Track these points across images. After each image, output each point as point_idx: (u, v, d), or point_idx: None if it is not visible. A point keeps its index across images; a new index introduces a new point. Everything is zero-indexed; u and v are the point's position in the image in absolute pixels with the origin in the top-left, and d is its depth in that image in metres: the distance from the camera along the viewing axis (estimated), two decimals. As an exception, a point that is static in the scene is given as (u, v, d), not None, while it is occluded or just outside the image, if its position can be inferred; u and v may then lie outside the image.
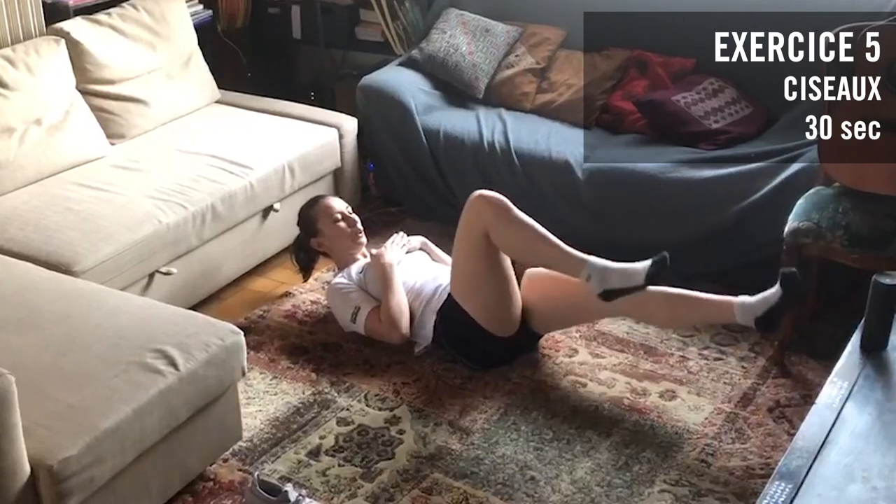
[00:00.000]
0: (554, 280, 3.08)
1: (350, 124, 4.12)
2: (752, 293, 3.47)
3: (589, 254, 2.93)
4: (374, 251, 3.34)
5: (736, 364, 3.17)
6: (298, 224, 3.57)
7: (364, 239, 3.52)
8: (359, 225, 3.51)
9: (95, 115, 3.80)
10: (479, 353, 3.13)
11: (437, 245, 3.58)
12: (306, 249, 3.56)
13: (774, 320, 2.77)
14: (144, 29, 4.00)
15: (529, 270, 3.18)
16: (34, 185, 3.50)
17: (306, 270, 3.62)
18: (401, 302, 3.21)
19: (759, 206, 3.36)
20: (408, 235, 3.53)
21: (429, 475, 2.72)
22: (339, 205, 3.53)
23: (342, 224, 3.47)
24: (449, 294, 3.16)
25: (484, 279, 3.06)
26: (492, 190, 3.85)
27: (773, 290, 2.76)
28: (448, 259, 3.41)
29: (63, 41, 3.72)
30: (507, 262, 3.10)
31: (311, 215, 3.52)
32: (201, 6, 4.52)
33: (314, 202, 3.57)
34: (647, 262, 2.83)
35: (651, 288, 2.86)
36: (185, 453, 2.58)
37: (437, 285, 3.23)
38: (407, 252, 3.43)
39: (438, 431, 2.89)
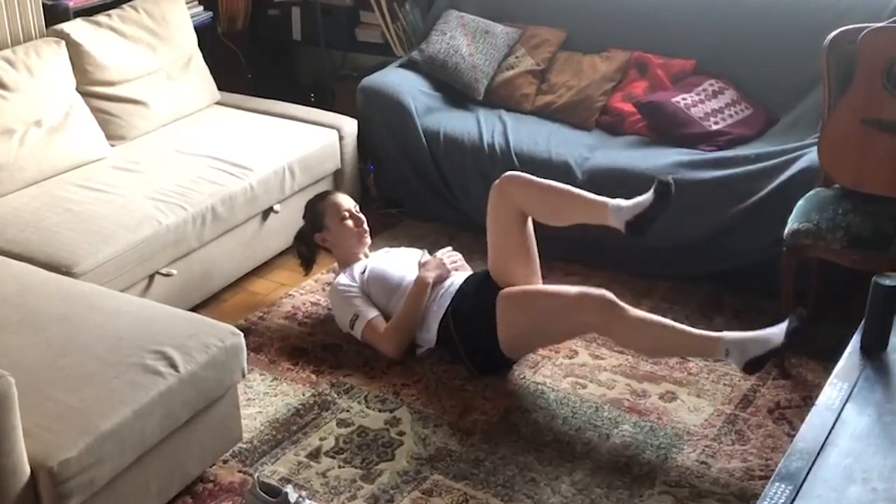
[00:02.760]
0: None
1: (350, 126, 4.12)
2: (752, 293, 3.49)
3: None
4: (422, 260, 3.31)
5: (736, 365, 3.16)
6: (304, 217, 3.55)
7: (369, 239, 3.52)
8: (365, 225, 3.50)
9: (95, 116, 3.80)
10: (484, 360, 3.12)
11: (436, 244, 3.57)
12: (308, 243, 3.55)
13: (645, 226, 2.92)
14: (144, 30, 4.00)
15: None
16: (34, 187, 3.51)
17: (308, 262, 3.60)
18: (414, 326, 3.20)
19: (758, 208, 3.36)
20: (408, 236, 3.51)
21: (429, 476, 2.72)
22: (347, 202, 3.52)
23: (349, 222, 3.46)
24: (464, 288, 3.16)
25: (545, 336, 3.13)
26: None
27: (646, 196, 2.90)
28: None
29: (63, 43, 3.72)
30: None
31: (318, 210, 3.51)
32: (201, 8, 4.53)
33: (323, 197, 3.55)
34: (785, 324, 2.73)
35: (543, 181, 3.09)
36: (185, 455, 2.58)
37: (439, 287, 3.22)
38: (455, 269, 3.37)
39: (438, 433, 2.89)
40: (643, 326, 2.88)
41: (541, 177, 3.46)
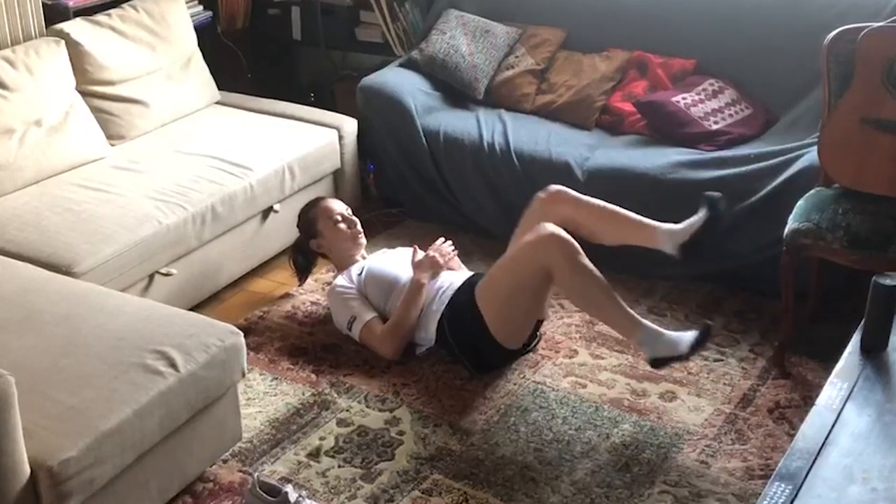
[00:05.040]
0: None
1: (350, 125, 4.12)
2: (751, 293, 3.49)
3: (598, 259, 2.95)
4: (417, 259, 3.30)
5: (736, 365, 3.17)
6: (298, 226, 3.57)
7: (364, 240, 3.52)
8: (359, 226, 3.51)
9: (95, 116, 3.80)
10: (482, 359, 3.13)
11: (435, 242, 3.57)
12: (305, 252, 3.56)
13: (699, 247, 2.93)
14: (144, 30, 4.00)
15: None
16: (34, 187, 3.50)
17: (303, 274, 3.61)
18: (411, 328, 3.20)
19: (758, 208, 3.36)
20: (408, 235, 3.51)
21: (429, 476, 2.72)
22: (338, 206, 3.53)
23: (342, 225, 3.47)
24: (455, 294, 3.16)
25: (522, 304, 3.08)
26: (495, 191, 3.88)
27: (699, 216, 2.92)
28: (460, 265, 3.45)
29: (63, 42, 3.72)
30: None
31: (310, 217, 3.52)
32: (201, 7, 4.53)
33: (313, 204, 3.57)
34: (694, 333, 2.86)
35: (592, 200, 3.14)
36: (184, 454, 2.58)
37: (438, 286, 3.23)
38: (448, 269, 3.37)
39: (438, 432, 2.89)
40: (587, 280, 2.94)
41: (541, 177, 3.47)
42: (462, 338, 3.12)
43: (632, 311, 2.93)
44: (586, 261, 2.95)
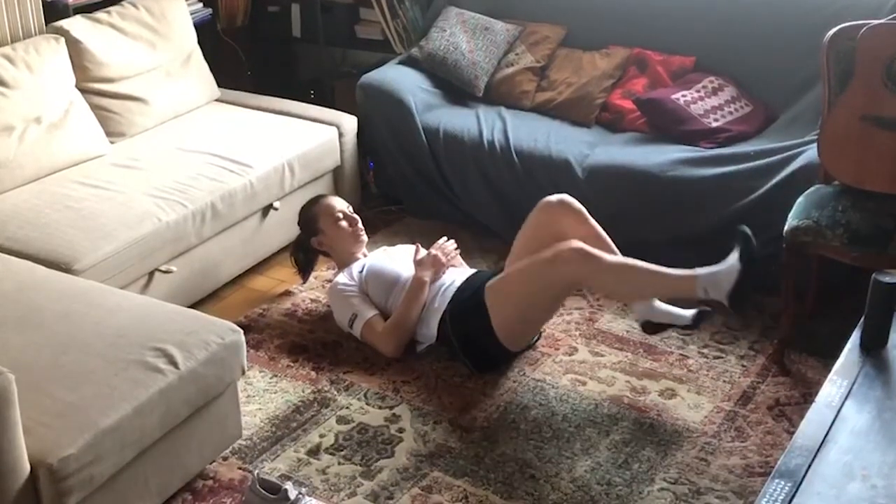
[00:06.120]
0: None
1: (350, 122, 4.12)
2: (751, 289, 3.48)
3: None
4: (419, 258, 3.29)
5: (735, 362, 3.17)
6: (299, 224, 3.56)
7: (365, 238, 3.52)
8: (360, 224, 3.50)
9: (95, 113, 3.80)
10: (483, 357, 3.12)
11: (436, 242, 3.57)
12: (306, 250, 3.56)
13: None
14: (144, 27, 4.00)
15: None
16: (34, 184, 3.50)
17: (305, 271, 3.61)
18: (412, 326, 3.20)
19: (758, 205, 3.36)
20: (408, 233, 3.51)
21: (428, 473, 2.72)
22: (339, 204, 3.53)
23: (343, 223, 3.47)
24: (459, 291, 3.16)
25: (535, 314, 3.11)
26: (495, 189, 3.87)
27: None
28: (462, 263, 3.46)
29: (63, 39, 3.72)
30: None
31: (311, 215, 3.52)
32: (201, 4, 4.53)
33: (315, 202, 3.56)
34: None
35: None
36: (184, 451, 2.58)
37: (440, 284, 3.23)
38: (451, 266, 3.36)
39: (438, 429, 2.89)
40: (621, 271, 2.94)
41: (540, 175, 3.47)
42: (465, 335, 3.12)
43: (678, 271, 2.88)
44: (602, 257, 2.94)
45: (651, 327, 3.08)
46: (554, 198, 3.20)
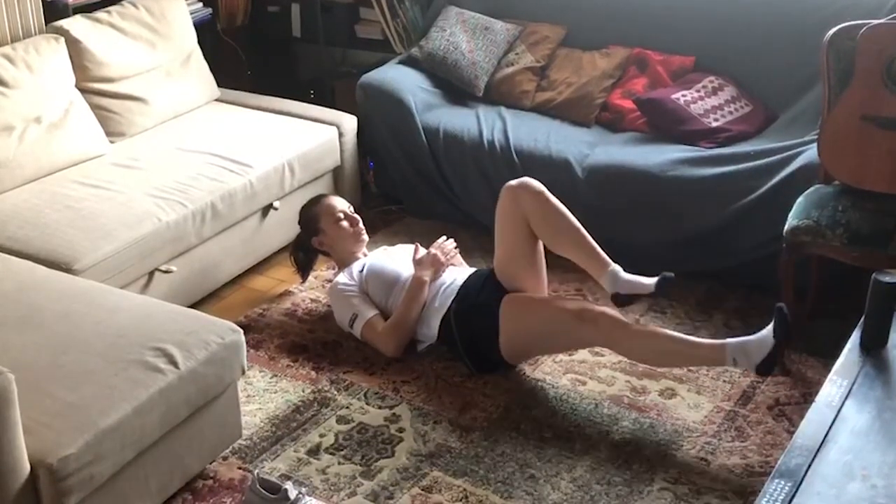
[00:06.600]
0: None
1: (350, 122, 4.12)
2: (751, 289, 3.49)
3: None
4: (418, 257, 3.29)
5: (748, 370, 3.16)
6: (300, 223, 3.56)
7: (366, 238, 3.52)
8: (361, 224, 3.50)
9: (95, 113, 3.80)
10: (484, 359, 3.12)
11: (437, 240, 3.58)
12: (306, 249, 3.56)
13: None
14: (144, 27, 4.00)
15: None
16: (34, 184, 3.50)
17: (304, 271, 3.61)
18: (412, 325, 3.20)
19: (758, 205, 3.36)
20: (408, 233, 3.50)
21: (428, 473, 2.72)
22: (340, 204, 3.52)
23: (344, 223, 3.47)
24: (465, 288, 3.16)
25: (545, 347, 3.14)
26: (495, 189, 3.86)
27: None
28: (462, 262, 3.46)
29: (63, 39, 3.72)
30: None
31: (312, 214, 3.51)
32: (201, 4, 4.52)
33: (315, 201, 3.56)
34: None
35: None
36: (184, 451, 2.58)
37: (441, 283, 3.23)
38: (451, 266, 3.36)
39: (438, 429, 2.89)
40: (647, 339, 2.92)
41: (540, 175, 3.46)
42: (469, 336, 3.12)
43: (706, 341, 2.89)
44: (629, 326, 2.95)
45: (620, 299, 3.04)
46: (514, 182, 3.18)
